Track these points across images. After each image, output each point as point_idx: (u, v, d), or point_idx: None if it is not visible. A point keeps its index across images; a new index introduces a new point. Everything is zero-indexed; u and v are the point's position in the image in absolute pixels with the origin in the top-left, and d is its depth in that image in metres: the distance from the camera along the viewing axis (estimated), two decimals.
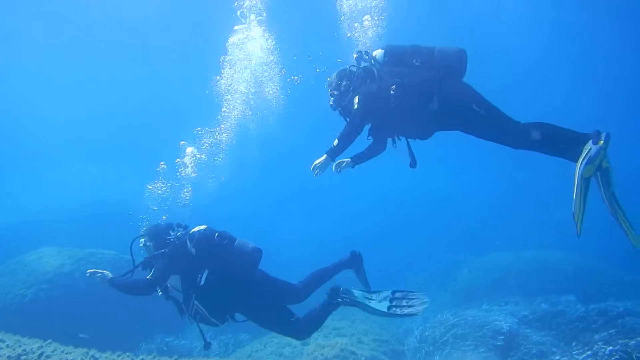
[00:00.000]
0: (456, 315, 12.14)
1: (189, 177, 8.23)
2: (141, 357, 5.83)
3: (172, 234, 5.36)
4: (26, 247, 17.75)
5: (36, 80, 37.98)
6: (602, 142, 3.98)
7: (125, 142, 37.83)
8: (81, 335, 7.55)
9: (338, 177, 5.59)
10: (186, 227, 5.44)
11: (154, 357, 6.91)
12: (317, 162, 5.08)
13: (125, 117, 38.48)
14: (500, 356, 10.17)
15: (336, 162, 5.18)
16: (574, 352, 9.03)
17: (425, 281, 24.19)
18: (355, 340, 11.05)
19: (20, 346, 6.26)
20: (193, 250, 5.13)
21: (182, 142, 8.32)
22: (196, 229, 5.30)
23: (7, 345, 6.13)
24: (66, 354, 6.31)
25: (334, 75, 5.24)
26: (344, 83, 5.11)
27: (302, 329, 5.25)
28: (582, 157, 4.02)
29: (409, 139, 5.16)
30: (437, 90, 4.63)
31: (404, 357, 10.46)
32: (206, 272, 5.10)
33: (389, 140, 5.27)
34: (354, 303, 5.11)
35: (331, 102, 5.24)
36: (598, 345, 9.15)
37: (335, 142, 5.00)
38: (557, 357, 8.15)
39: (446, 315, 12.39)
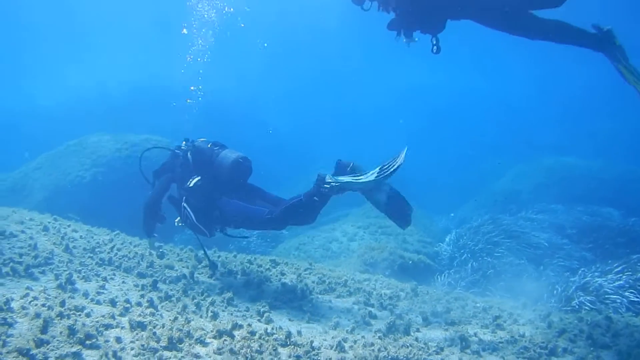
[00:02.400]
0: (494, 221, 12.33)
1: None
2: (202, 251, 6.27)
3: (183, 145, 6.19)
4: (75, 130, 18.38)
5: None
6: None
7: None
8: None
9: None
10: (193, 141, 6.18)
11: (214, 251, 7.36)
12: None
13: None
14: (534, 266, 10.44)
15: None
16: (609, 268, 9.13)
17: (468, 182, 24.36)
18: (401, 240, 11.48)
19: (92, 237, 6.77)
20: (190, 159, 5.96)
21: None
22: (198, 140, 6.12)
23: (81, 237, 6.63)
24: (134, 246, 6.79)
25: None
26: None
27: (281, 219, 5.43)
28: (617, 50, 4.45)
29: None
30: None
31: (443, 261, 10.85)
32: (197, 177, 5.81)
33: (405, 37, 5.14)
34: (343, 186, 5.10)
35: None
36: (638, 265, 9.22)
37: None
38: (591, 272, 8.31)
39: (484, 219, 12.59)
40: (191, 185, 5.81)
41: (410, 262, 9.12)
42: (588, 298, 6.83)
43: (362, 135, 31.99)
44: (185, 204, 5.91)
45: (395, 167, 4.99)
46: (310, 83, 38.31)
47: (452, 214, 18.42)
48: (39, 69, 36.64)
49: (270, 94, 32.00)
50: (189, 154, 6.04)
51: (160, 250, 6.69)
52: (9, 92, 31.41)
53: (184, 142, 6.26)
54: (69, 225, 7.14)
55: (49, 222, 6.87)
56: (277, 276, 6.44)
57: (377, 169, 5.09)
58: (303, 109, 34.77)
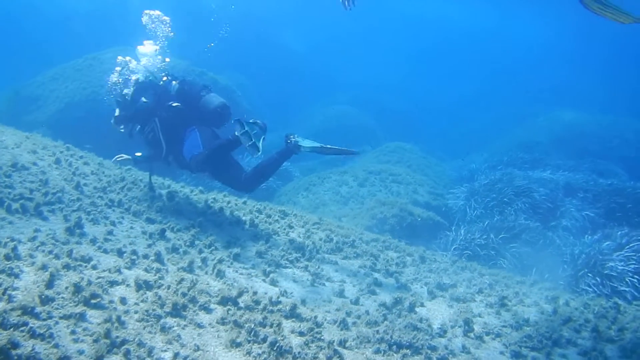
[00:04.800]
0: (508, 180, 12.08)
1: None
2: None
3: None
4: (97, 40, 17.94)
5: None
6: None
7: None
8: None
9: None
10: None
11: (225, 195, 7.31)
12: None
13: None
14: (545, 229, 10.36)
15: None
16: (619, 242, 9.00)
17: (496, 123, 23.90)
18: (411, 190, 11.38)
19: (104, 173, 6.71)
20: (175, 90, 6.35)
21: None
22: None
23: (92, 172, 6.56)
24: (144, 185, 6.74)
25: None
26: None
27: (249, 183, 6.01)
28: None
29: None
30: None
31: (454, 216, 10.78)
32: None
33: None
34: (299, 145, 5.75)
35: None
36: None
37: None
38: (601, 247, 8.22)
39: (498, 177, 12.36)
40: (173, 105, 6.15)
41: (420, 219, 9.05)
42: (596, 279, 6.77)
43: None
44: (157, 119, 6.21)
45: (339, 151, 5.95)
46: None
47: (464, 161, 18.10)
48: None
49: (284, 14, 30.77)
50: (173, 84, 6.37)
51: (169, 189, 6.65)
52: None
53: (164, 76, 6.53)
54: (81, 157, 7.08)
55: (61, 153, 6.80)
56: (285, 229, 6.41)
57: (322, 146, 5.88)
58: (318, 30, 33.65)
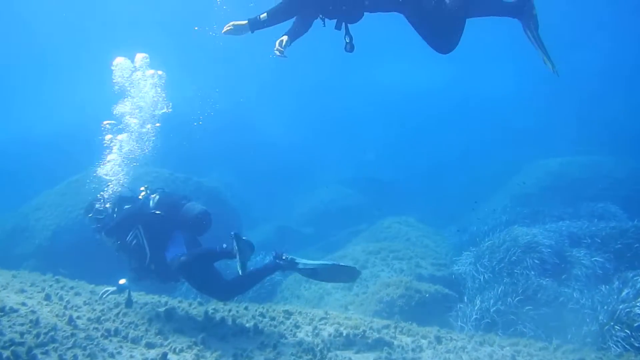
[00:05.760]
0: (513, 238, 11.84)
1: None
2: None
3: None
4: (78, 160, 18.11)
5: None
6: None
7: None
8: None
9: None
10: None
11: (225, 303, 7.06)
12: (234, 22, 4.91)
13: None
14: (558, 284, 10.06)
15: (279, 40, 5.03)
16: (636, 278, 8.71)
17: (482, 180, 23.93)
18: (414, 264, 11.15)
19: (96, 302, 6.49)
20: (153, 203, 6.45)
21: None
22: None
23: (85, 303, 6.35)
24: (140, 307, 6.50)
25: None
26: None
27: (227, 293, 6.21)
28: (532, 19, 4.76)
29: (340, 21, 4.98)
30: None
31: (464, 285, 10.49)
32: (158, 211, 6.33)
33: (320, 21, 5.07)
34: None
35: None
36: None
37: (264, 15, 4.80)
38: (620, 294, 7.95)
39: (503, 237, 12.12)
40: (152, 207, 6.31)
41: (427, 295, 8.79)
42: (622, 333, 6.45)
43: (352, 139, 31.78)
44: (140, 225, 6.26)
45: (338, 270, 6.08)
46: (301, 93, 38.22)
47: (459, 229, 17.91)
48: (33, 93, 36.61)
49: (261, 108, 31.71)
50: (152, 197, 6.49)
51: (167, 307, 6.42)
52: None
53: (144, 189, 6.70)
54: (72, 288, 6.88)
55: (51, 287, 6.61)
56: (291, 330, 6.14)
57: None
58: (297, 121, 34.51)
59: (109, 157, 7.02)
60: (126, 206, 6.54)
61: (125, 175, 6.99)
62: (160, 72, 7.30)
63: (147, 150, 7.19)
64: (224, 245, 5.67)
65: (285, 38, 5.10)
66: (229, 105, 25.51)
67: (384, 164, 28.85)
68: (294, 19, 5.20)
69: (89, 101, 25.28)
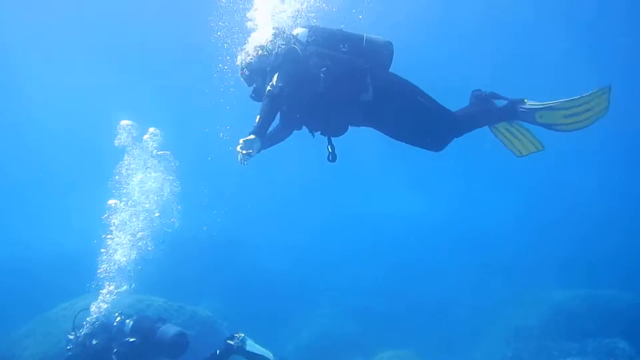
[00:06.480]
0: None
1: None
2: None
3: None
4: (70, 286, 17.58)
5: None
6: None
7: None
8: None
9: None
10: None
11: None
12: (245, 139, 4.09)
13: None
14: None
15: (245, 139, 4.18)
16: None
17: (474, 317, 23.44)
18: None
19: None
20: (128, 328, 6.53)
21: None
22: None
23: None
24: None
25: (244, 51, 4.63)
26: (258, 60, 4.53)
27: None
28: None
29: (322, 134, 4.70)
30: (371, 79, 4.35)
31: None
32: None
33: (310, 133, 4.79)
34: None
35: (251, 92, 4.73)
36: None
37: (257, 118, 4.25)
38: None
39: None
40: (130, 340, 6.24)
41: None
42: None
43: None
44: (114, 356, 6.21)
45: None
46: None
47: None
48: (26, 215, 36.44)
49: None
50: (127, 322, 6.53)
51: None
52: None
53: (118, 315, 6.70)
54: None
55: None
56: None
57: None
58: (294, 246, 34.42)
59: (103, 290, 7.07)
60: (100, 334, 6.49)
61: (116, 304, 6.98)
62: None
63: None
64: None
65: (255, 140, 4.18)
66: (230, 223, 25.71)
67: (380, 292, 28.36)
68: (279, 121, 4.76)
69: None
